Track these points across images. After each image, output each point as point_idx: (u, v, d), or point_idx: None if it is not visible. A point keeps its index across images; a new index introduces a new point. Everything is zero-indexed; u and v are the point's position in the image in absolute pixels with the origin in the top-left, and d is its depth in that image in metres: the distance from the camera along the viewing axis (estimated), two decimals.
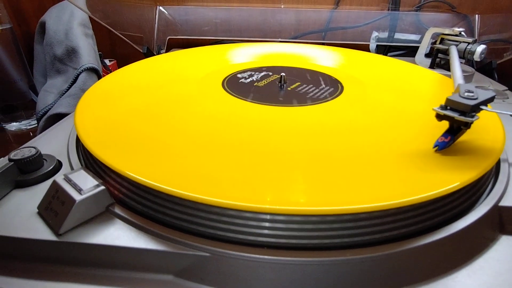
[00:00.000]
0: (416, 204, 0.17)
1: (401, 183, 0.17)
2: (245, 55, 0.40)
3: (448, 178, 0.17)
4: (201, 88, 0.30)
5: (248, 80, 0.32)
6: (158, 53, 0.54)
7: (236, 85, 0.30)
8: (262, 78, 0.33)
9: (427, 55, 0.44)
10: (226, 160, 0.19)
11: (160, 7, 0.55)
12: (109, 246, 0.16)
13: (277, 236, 0.16)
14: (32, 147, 0.21)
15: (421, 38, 0.53)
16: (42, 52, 0.47)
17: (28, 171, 0.20)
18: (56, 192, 0.17)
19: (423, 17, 0.54)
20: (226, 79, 0.32)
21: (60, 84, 0.42)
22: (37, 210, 0.18)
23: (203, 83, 0.31)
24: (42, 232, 0.17)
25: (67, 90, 0.40)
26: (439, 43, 0.42)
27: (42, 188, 0.20)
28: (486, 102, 0.19)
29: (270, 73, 0.34)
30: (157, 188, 0.16)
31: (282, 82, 0.31)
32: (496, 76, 0.48)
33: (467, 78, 0.42)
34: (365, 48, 0.56)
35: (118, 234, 0.17)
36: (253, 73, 0.34)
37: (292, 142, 0.21)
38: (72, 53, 0.42)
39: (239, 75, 0.33)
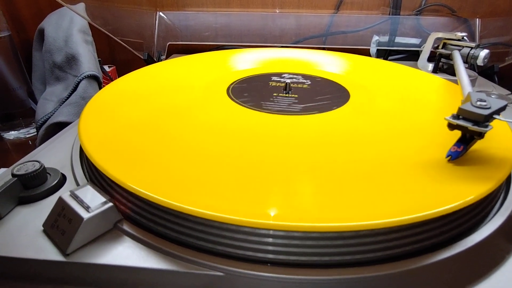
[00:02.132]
0: (431, 219, 0.16)
1: (416, 197, 0.17)
2: (248, 61, 0.40)
3: (464, 191, 0.17)
4: (206, 97, 0.29)
5: (253, 87, 0.32)
6: (159, 59, 0.54)
7: (240, 93, 0.30)
8: (267, 85, 0.33)
9: (429, 60, 0.44)
10: (236, 173, 0.18)
11: (160, 13, 0.55)
12: (119, 266, 0.15)
13: (293, 253, 0.16)
14: (35, 161, 0.20)
15: (422, 42, 0.53)
16: (41, 59, 0.46)
17: (32, 187, 0.20)
18: (62, 209, 0.17)
19: (424, 21, 0.54)
20: (231, 87, 0.31)
21: (60, 92, 0.42)
22: (42, 228, 0.17)
23: (208, 92, 0.30)
24: (48, 252, 0.16)
25: (67, 98, 0.40)
26: (442, 48, 0.42)
27: (46, 204, 0.19)
28: (499, 111, 0.19)
29: (275, 80, 0.34)
30: (168, 205, 0.16)
31: (287, 89, 0.31)
32: (497, 80, 0.48)
33: (470, 83, 0.42)
34: (366, 52, 0.56)
35: (128, 254, 0.16)
36: (257, 80, 0.34)
37: (300, 153, 0.21)
38: (72, 60, 0.41)
39: (243, 82, 0.33)
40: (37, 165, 0.20)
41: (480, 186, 0.18)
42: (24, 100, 0.45)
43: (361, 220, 0.15)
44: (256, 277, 0.15)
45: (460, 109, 0.19)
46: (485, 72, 0.49)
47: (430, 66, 0.43)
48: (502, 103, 0.20)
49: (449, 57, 0.41)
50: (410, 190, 0.17)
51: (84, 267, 0.16)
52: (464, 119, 0.19)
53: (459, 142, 0.20)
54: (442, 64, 0.43)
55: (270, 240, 0.15)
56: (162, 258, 0.16)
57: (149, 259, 0.16)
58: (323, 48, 0.56)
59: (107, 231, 0.17)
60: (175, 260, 0.16)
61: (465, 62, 0.38)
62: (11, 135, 0.45)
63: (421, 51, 0.45)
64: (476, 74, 0.43)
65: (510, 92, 0.40)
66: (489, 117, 0.19)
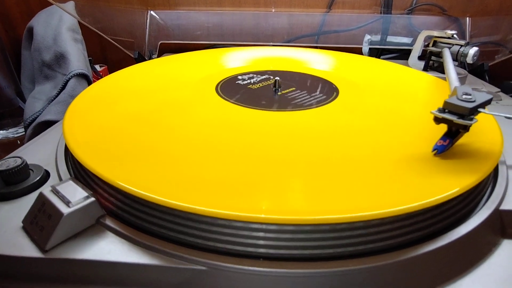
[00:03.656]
0: (418, 211, 0.16)
1: (402, 189, 0.17)
2: (239, 60, 0.40)
3: (449, 183, 0.17)
4: (194, 94, 0.29)
5: (242, 85, 0.32)
6: (150, 58, 0.54)
7: (230, 90, 0.30)
8: (256, 82, 0.32)
9: (420, 58, 0.45)
10: (221, 167, 0.18)
11: (151, 12, 0.55)
12: (100, 261, 0.15)
13: (276, 246, 0.15)
14: (17, 157, 0.20)
15: (413, 41, 0.53)
16: (29, 57, 0.46)
17: (14, 183, 0.19)
18: (42, 205, 0.16)
19: (415, 20, 0.55)
20: (220, 84, 0.31)
21: (49, 91, 0.41)
22: (22, 225, 0.17)
23: (197, 89, 0.30)
24: (26, 248, 0.16)
25: (56, 96, 0.39)
26: (432, 46, 0.42)
27: (28, 200, 0.19)
28: (484, 105, 0.19)
29: (264, 78, 0.34)
30: (150, 199, 0.16)
31: (277, 86, 0.31)
32: (487, 78, 0.48)
33: (460, 81, 0.42)
34: (358, 51, 0.56)
35: (110, 248, 0.16)
36: (247, 77, 0.34)
37: (288, 148, 0.20)
38: (60, 58, 0.41)
39: (232, 80, 0.33)
40: (19, 161, 0.20)
41: (466, 179, 0.18)
42: (13, 99, 0.44)
43: (346, 213, 0.15)
44: (238, 271, 0.15)
45: (445, 103, 0.19)
46: (475, 70, 0.49)
47: (421, 64, 0.44)
48: (487, 96, 0.20)
49: (439, 55, 0.41)
50: (396, 183, 0.17)
51: (63, 263, 0.15)
52: (450, 112, 0.19)
53: (445, 136, 0.20)
54: (432, 62, 0.43)
55: (251, 233, 0.15)
56: (145, 252, 0.16)
57: (131, 253, 0.16)
58: (316, 47, 0.56)
59: (89, 226, 0.17)
60: (158, 254, 0.15)
61: (455, 59, 0.38)
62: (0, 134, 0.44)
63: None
64: (466, 72, 0.43)
65: (499, 90, 0.40)
66: (474, 110, 0.19)
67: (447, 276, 0.16)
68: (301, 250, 0.15)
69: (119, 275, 0.16)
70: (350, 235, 0.16)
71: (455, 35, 0.41)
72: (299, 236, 0.15)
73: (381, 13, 0.55)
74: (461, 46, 0.38)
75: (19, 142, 0.44)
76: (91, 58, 0.47)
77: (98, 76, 0.52)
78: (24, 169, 0.20)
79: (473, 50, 0.37)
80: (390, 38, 0.56)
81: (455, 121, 0.19)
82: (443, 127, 0.20)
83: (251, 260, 0.15)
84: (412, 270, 0.16)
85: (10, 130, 0.44)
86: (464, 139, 0.21)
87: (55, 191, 0.17)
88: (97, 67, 0.55)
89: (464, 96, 0.19)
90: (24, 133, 0.44)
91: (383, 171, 0.18)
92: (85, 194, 0.17)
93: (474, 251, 0.17)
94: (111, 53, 0.61)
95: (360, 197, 0.16)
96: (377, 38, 0.56)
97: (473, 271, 0.17)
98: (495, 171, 0.22)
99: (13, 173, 0.19)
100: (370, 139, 0.22)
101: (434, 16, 0.55)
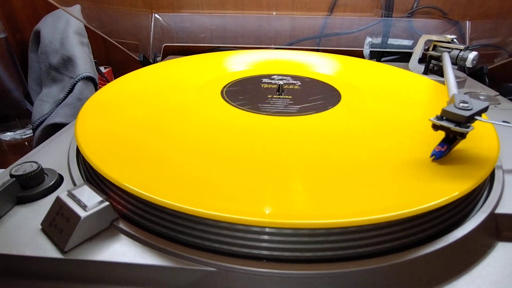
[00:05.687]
0: (415, 215, 0.17)
1: (401, 194, 0.18)
2: (243, 63, 0.41)
3: (447, 188, 0.18)
4: (201, 98, 0.30)
5: (247, 89, 0.32)
6: (154, 61, 0.54)
7: (235, 94, 0.31)
8: (260, 86, 0.33)
9: (420, 61, 0.45)
10: (230, 172, 0.19)
11: (156, 15, 0.55)
12: (115, 263, 0.16)
13: (282, 249, 0.16)
14: (33, 162, 0.21)
15: (414, 44, 0.54)
16: (36, 60, 0.46)
17: (30, 187, 0.20)
18: (60, 208, 0.17)
19: (416, 23, 0.55)
20: (225, 88, 0.32)
21: (56, 93, 0.42)
22: (40, 227, 0.18)
23: (203, 93, 0.31)
24: (47, 249, 0.17)
25: (64, 99, 0.40)
26: (432, 50, 0.43)
27: (44, 204, 0.20)
28: (480, 113, 0.20)
29: (268, 82, 0.35)
30: (162, 204, 0.16)
31: (280, 91, 0.32)
32: (487, 81, 0.49)
33: (460, 84, 0.43)
34: (359, 54, 0.57)
35: (124, 251, 0.17)
36: (251, 81, 0.35)
37: (291, 153, 0.21)
38: (68, 62, 0.42)
39: (237, 84, 0.33)
40: (35, 166, 0.20)
41: (463, 184, 0.18)
42: (20, 101, 0.45)
43: (347, 217, 0.16)
44: (246, 272, 0.16)
45: (443, 111, 0.20)
46: (475, 73, 0.50)
47: (421, 67, 0.44)
48: (483, 104, 0.20)
49: (439, 58, 0.42)
50: (395, 188, 0.18)
51: (81, 264, 0.16)
52: (447, 120, 0.20)
53: (443, 142, 0.21)
54: (432, 66, 0.44)
55: (260, 237, 0.16)
56: (157, 254, 0.16)
57: (144, 255, 0.16)
58: (317, 50, 0.57)
59: (104, 229, 0.18)
60: (170, 256, 0.16)
61: (454, 63, 0.39)
62: (7, 136, 0.45)
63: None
64: (466, 76, 0.44)
65: (498, 93, 0.41)
66: (471, 118, 0.20)
67: (443, 277, 0.17)
68: (303, 253, 0.16)
69: (132, 275, 0.16)
70: (349, 238, 0.17)
71: (454, 40, 0.41)
72: (308, 239, 0.16)
73: (382, 16, 0.56)
74: (461, 50, 0.39)
75: (26, 144, 0.45)
76: (96, 60, 0.48)
77: (103, 78, 0.53)
78: (39, 174, 0.21)
79: (472, 55, 0.38)
80: (391, 41, 0.56)
81: (452, 129, 0.19)
82: (442, 133, 0.21)
83: (258, 262, 0.16)
84: (410, 271, 0.17)
85: (18, 131, 0.45)
86: (462, 145, 0.22)
87: (72, 196, 0.18)
88: (102, 69, 0.56)
89: (461, 104, 0.20)
90: (31, 134, 0.45)
91: (383, 176, 0.19)
92: (100, 198, 0.18)
93: (470, 253, 0.18)
94: (115, 54, 0.62)
95: (361, 201, 0.17)
96: (378, 40, 0.57)
97: (469, 273, 0.17)
98: (491, 175, 0.23)
99: (29, 177, 0.20)
100: (370, 144, 0.23)
101: (434, 19, 0.55)
